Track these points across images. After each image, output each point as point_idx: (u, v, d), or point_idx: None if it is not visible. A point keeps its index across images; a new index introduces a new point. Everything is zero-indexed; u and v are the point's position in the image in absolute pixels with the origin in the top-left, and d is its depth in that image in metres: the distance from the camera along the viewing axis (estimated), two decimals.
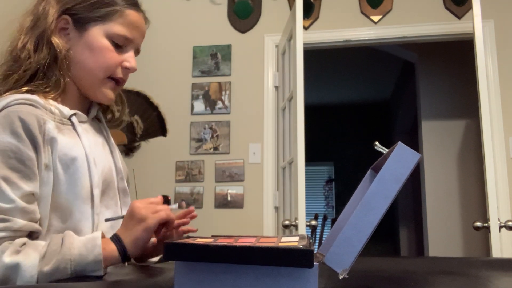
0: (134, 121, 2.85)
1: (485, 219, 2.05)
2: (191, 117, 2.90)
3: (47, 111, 0.88)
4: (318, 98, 6.37)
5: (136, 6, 0.98)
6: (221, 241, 0.55)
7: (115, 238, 0.81)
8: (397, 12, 2.78)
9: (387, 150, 0.63)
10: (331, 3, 2.85)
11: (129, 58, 0.97)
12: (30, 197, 0.80)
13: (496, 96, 2.58)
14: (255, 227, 2.69)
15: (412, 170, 0.58)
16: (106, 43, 0.94)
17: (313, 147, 6.20)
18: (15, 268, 0.72)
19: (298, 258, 0.48)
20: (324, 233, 5.59)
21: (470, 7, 2.59)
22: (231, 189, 2.77)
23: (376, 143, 0.64)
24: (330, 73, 5.48)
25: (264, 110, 2.81)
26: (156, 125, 2.90)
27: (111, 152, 1.02)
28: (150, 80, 2.90)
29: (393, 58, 4.37)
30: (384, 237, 5.46)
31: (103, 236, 0.81)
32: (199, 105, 2.90)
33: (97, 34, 0.94)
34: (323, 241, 1.92)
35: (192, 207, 0.95)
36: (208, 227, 2.69)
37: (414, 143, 4.14)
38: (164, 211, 0.84)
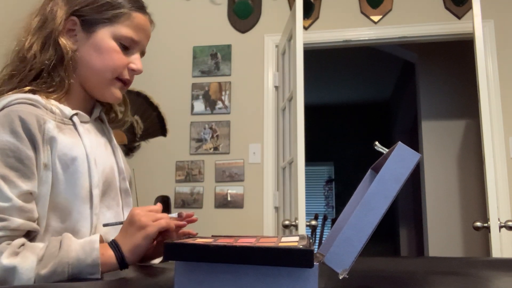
0: (134, 121, 2.85)
1: (485, 219, 2.05)
2: (191, 117, 2.90)
3: (47, 111, 0.88)
4: (318, 98, 6.37)
5: (142, 9, 0.99)
6: (221, 241, 0.55)
7: (114, 245, 0.80)
8: (397, 12, 2.78)
9: (387, 150, 0.63)
10: (331, 3, 2.85)
11: (135, 60, 0.98)
12: (28, 196, 0.80)
13: (496, 96, 2.58)
14: (255, 227, 2.69)
15: (412, 170, 0.58)
16: (114, 44, 0.95)
17: (313, 147, 6.20)
18: (12, 270, 0.72)
19: (298, 258, 0.48)
20: (324, 233, 5.59)
21: (470, 7, 2.59)
22: (231, 189, 2.77)
23: (376, 143, 0.64)
24: (330, 73, 5.48)
25: (264, 110, 2.81)
26: (156, 125, 2.90)
27: (114, 152, 1.02)
28: (150, 80, 2.90)
29: (393, 58, 4.37)
30: (384, 237, 5.46)
31: (101, 240, 0.80)
32: (199, 105, 2.90)
33: (105, 36, 0.94)
34: (323, 241, 1.92)
35: (192, 212, 0.95)
36: (208, 227, 2.69)
37: (414, 143, 4.14)
38: (164, 220, 0.83)
